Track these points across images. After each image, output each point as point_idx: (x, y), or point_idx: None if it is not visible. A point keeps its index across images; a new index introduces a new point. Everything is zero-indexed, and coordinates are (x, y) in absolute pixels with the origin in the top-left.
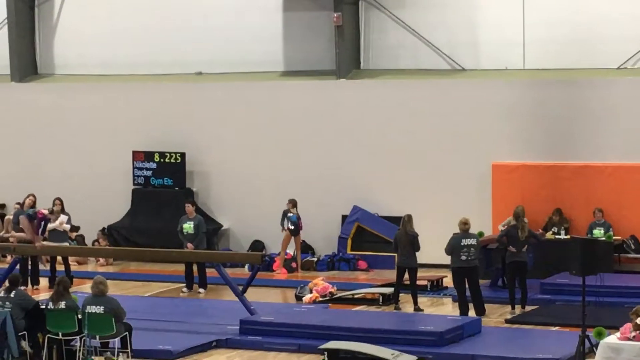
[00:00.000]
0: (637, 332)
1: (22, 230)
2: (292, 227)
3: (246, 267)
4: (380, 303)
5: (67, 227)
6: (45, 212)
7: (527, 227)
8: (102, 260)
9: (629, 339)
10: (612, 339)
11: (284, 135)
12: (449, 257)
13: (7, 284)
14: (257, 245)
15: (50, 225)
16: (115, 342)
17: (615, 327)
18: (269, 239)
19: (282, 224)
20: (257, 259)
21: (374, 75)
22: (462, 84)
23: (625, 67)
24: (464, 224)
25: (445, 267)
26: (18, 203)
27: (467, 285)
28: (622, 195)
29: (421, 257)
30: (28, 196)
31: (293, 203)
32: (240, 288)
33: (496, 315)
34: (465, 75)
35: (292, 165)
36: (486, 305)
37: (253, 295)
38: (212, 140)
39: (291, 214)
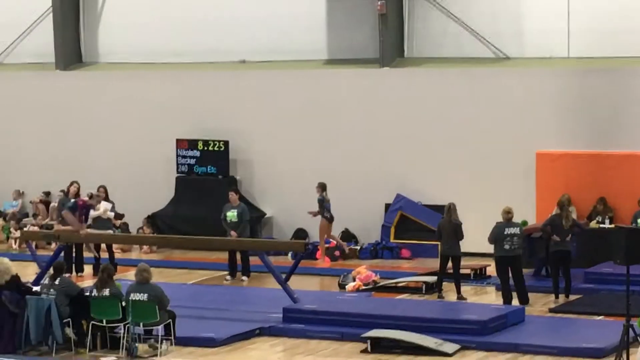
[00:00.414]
0: None
1: (65, 222)
2: (328, 216)
3: (289, 255)
4: (424, 292)
5: (111, 214)
6: (86, 199)
7: (571, 216)
8: (146, 248)
9: None
10: None
11: (327, 124)
12: (493, 246)
13: (51, 271)
14: (300, 234)
15: (93, 213)
16: (159, 330)
17: None
18: (312, 227)
19: (322, 213)
20: (300, 247)
21: (417, 64)
22: (506, 73)
23: None
24: (508, 213)
25: (488, 256)
26: (62, 190)
27: (510, 274)
28: None
29: (464, 245)
30: (72, 184)
31: (322, 187)
32: (284, 276)
33: (540, 304)
34: (510, 63)
35: (335, 154)
36: (530, 294)
37: (296, 283)
38: (255, 128)
39: (327, 202)
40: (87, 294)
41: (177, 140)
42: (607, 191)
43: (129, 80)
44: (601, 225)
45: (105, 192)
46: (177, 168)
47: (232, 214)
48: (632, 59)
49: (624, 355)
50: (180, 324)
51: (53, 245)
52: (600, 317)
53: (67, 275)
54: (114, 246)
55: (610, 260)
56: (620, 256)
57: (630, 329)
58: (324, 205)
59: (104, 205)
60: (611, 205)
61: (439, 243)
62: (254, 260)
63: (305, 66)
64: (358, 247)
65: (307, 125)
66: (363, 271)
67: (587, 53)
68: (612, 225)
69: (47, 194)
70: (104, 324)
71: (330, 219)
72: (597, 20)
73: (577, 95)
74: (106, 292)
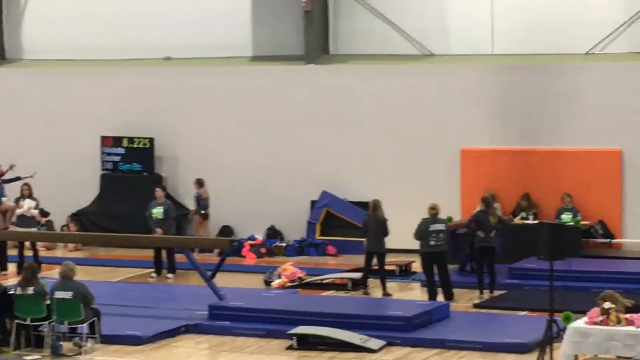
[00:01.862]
0: (605, 316)
1: None
2: (202, 212)
3: (215, 252)
4: (349, 288)
5: (35, 212)
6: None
7: (496, 213)
8: (70, 245)
9: (596, 324)
10: (580, 323)
11: (253, 121)
12: (418, 242)
13: None
14: (226, 231)
15: (18, 211)
16: (84, 328)
17: (583, 312)
18: (238, 224)
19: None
20: (225, 244)
21: (342, 61)
22: (431, 70)
23: (593, 52)
24: (433, 209)
25: (414, 252)
26: None
27: (435, 270)
28: (590, 180)
29: (390, 242)
30: None
31: (200, 182)
32: (209, 273)
33: (465, 300)
34: (435, 60)
35: (260, 151)
36: (454, 290)
37: (222, 280)
38: (181, 125)
39: (203, 200)
40: (11, 292)
41: (102, 138)
42: (531, 187)
43: (53, 77)
44: (525, 221)
45: (29, 190)
46: (102, 165)
47: (157, 211)
48: (556, 56)
49: (548, 350)
50: (105, 321)
51: None
52: (525, 313)
53: None
54: (38, 244)
55: (534, 255)
56: (544, 252)
57: (554, 324)
58: (200, 203)
59: (27, 203)
60: (535, 201)
61: (364, 239)
62: (179, 257)
63: (230, 63)
64: (284, 244)
65: (232, 122)
66: (289, 268)
67: (511, 50)
68: (536, 221)
69: None
70: (28, 322)
71: (204, 216)
72: (521, 17)
73: (501, 92)
74: (30, 290)
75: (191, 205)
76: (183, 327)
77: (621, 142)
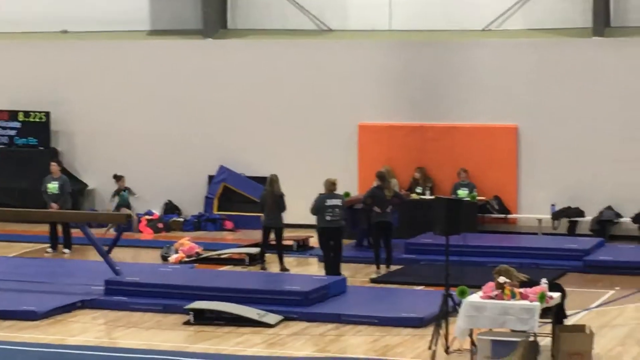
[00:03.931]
0: (499, 290)
1: None
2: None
3: (111, 227)
4: (247, 263)
5: None
6: None
7: (392, 188)
8: None
9: (491, 298)
10: (475, 297)
11: (150, 95)
12: (315, 217)
13: None
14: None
15: None
16: None
17: (478, 286)
18: (135, 199)
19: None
20: (122, 219)
21: (240, 35)
22: (329, 45)
23: (489, 29)
24: (331, 184)
25: (311, 228)
26: None
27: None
28: (486, 156)
29: (287, 217)
30: None
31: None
32: (106, 248)
33: (362, 275)
34: (333, 36)
35: (158, 126)
36: (351, 265)
37: (118, 255)
38: (78, 99)
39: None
40: None
41: None
42: (428, 163)
43: None
44: (421, 197)
45: None
46: None
47: (53, 186)
48: (453, 32)
49: (443, 325)
50: (0, 297)
51: None
52: (421, 287)
53: None
54: None
55: (430, 230)
56: (439, 227)
57: (450, 299)
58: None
59: None
60: (432, 177)
61: (261, 215)
62: (75, 232)
63: (128, 37)
64: (181, 219)
65: (130, 96)
66: (186, 243)
67: (409, 26)
68: (433, 197)
69: None
70: None
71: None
72: None
73: (399, 68)
74: None
75: (89, 180)
76: (79, 303)
77: (517, 118)
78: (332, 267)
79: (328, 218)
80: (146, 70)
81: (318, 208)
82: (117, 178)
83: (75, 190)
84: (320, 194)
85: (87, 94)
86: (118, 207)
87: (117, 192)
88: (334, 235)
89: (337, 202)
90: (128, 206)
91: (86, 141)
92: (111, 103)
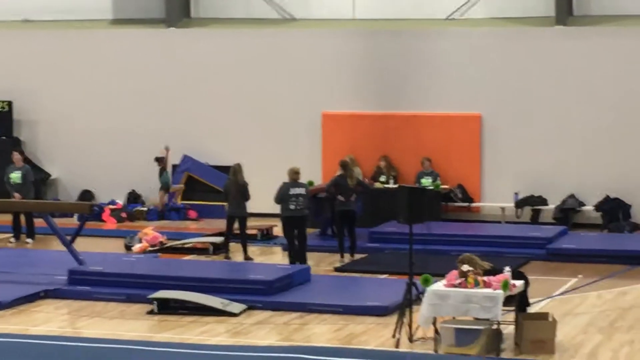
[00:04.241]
0: (463, 279)
1: None
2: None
3: (75, 217)
4: (211, 252)
5: None
6: None
7: (355, 176)
8: None
9: (454, 286)
10: (439, 286)
11: (113, 85)
12: (279, 206)
13: None
14: (86, 195)
15: None
16: None
17: (442, 275)
18: (98, 189)
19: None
20: (85, 209)
21: (204, 24)
22: (292, 34)
23: (453, 17)
24: (294, 173)
25: (275, 217)
26: None
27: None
28: (450, 145)
29: (251, 206)
30: None
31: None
32: (69, 238)
33: (325, 264)
34: (296, 25)
35: (121, 115)
36: (315, 254)
37: (82, 245)
38: (41, 89)
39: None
40: None
41: None
42: (392, 151)
43: None
44: (385, 185)
45: None
46: None
47: (15, 176)
48: (416, 21)
49: (407, 313)
50: None
51: None
52: (385, 276)
53: None
54: None
55: (394, 219)
56: (403, 215)
57: (413, 287)
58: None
59: None
60: (396, 165)
61: (225, 204)
62: (38, 222)
63: (90, 26)
64: (145, 209)
65: (93, 85)
66: (150, 232)
67: (372, 15)
68: (396, 185)
69: None
70: None
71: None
72: None
73: (362, 56)
74: None
75: (52, 170)
76: (42, 292)
77: (481, 107)
78: (297, 256)
79: (292, 207)
80: (109, 59)
81: (282, 197)
82: (159, 160)
83: (38, 180)
84: (284, 183)
85: (50, 83)
86: (163, 189)
87: (160, 173)
88: (298, 224)
89: (301, 190)
90: (168, 187)
91: (49, 130)
92: (74, 92)
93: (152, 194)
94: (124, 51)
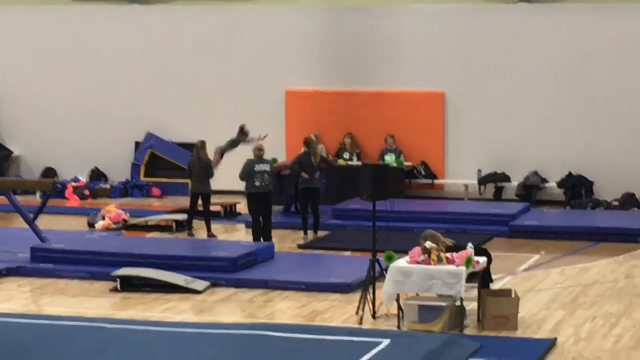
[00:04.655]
0: (426, 255)
1: None
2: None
3: (37, 194)
4: (174, 230)
5: None
6: None
7: (319, 154)
8: None
9: (418, 263)
10: (402, 262)
11: (77, 61)
12: (243, 183)
13: None
14: (49, 172)
15: None
16: None
17: (405, 251)
18: (61, 166)
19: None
20: (48, 186)
21: (165, 1)
22: (255, 11)
23: None
24: (259, 150)
25: (239, 194)
26: None
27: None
28: (413, 122)
29: (215, 183)
30: None
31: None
32: (31, 215)
33: (289, 241)
34: (258, 1)
35: (84, 92)
36: (279, 231)
37: (44, 222)
38: (2, 66)
39: None
40: None
41: None
42: (355, 129)
43: None
44: (349, 162)
45: None
46: None
47: None
48: None
49: (370, 289)
50: None
51: None
52: (348, 253)
53: None
54: None
55: (357, 196)
56: (366, 192)
57: (377, 264)
58: None
59: None
60: (359, 143)
61: (189, 181)
62: (0, 199)
63: (51, 2)
64: (108, 186)
65: (54, 62)
66: (113, 210)
67: None
68: (360, 162)
69: None
70: None
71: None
72: None
73: (326, 33)
74: None
75: (14, 147)
76: (4, 270)
77: (443, 84)
78: (262, 233)
79: (257, 183)
80: (71, 36)
81: (247, 173)
82: (243, 132)
83: (0, 157)
84: (249, 160)
85: (10, 59)
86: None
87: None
88: (263, 201)
89: (266, 167)
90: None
91: (10, 107)
92: (35, 69)
93: (115, 172)
94: (86, 28)
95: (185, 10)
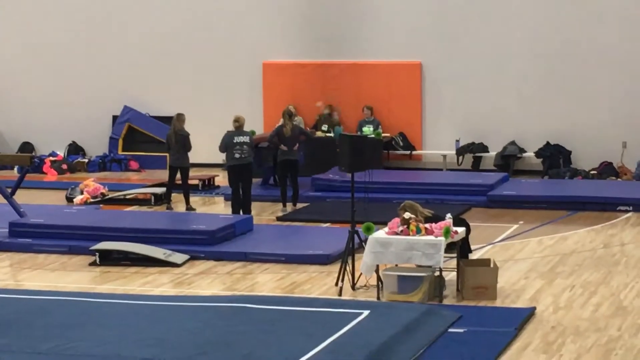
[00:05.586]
0: (405, 226)
1: None
2: None
3: (15, 169)
4: (152, 203)
5: None
6: None
7: (297, 126)
8: None
9: (396, 234)
10: (381, 233)
11: (50, 35)
12: (222, 156)
13: None
14: (27, 147)
15: None
16: None
17: (384, 223)
18: (38, 141)
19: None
20: (26, 161)
21: None
22: None
23: None
24: (237, 121)
25: (217, 167)
26: None
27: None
28: (391, 92)
29: (193, 156)
30: None
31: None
32: (9, 190)
33: (268, 213)
34: None
35: (61, 66)
36: (258, 204)
37: (22, 197)
38: None
39: None
40: None
41: None
42: (333, 100)
43: None
44: (327, 134)
45: None
46: None
47: None
48: None
49: (350, 261)
50: None
51: None
52: (327, 224)
53: None
54: None
55: (336, 167)
56: (345, 164)
57: (356, 235)
58: None
59: None
60: (338, 114)
61: (167, 154)
62: None
63: None
64: (86, 160)
65: (29, 37)
66: (91, 184)
67: None
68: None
69: None
70: None
71: None
72: None
73: (302, 5)
74: None
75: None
76: None
77: (421, 54)
78: (241, 205)
79: (237, 155)
80: (46, 6)
81: (226, 145)
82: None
83: None
84: (228, 131)
85: None
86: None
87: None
88: (243, 172)
89: (246, 139)
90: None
91: None
92: (10, 42)
93: (93, 146)
94: (61, 1)
95: None
